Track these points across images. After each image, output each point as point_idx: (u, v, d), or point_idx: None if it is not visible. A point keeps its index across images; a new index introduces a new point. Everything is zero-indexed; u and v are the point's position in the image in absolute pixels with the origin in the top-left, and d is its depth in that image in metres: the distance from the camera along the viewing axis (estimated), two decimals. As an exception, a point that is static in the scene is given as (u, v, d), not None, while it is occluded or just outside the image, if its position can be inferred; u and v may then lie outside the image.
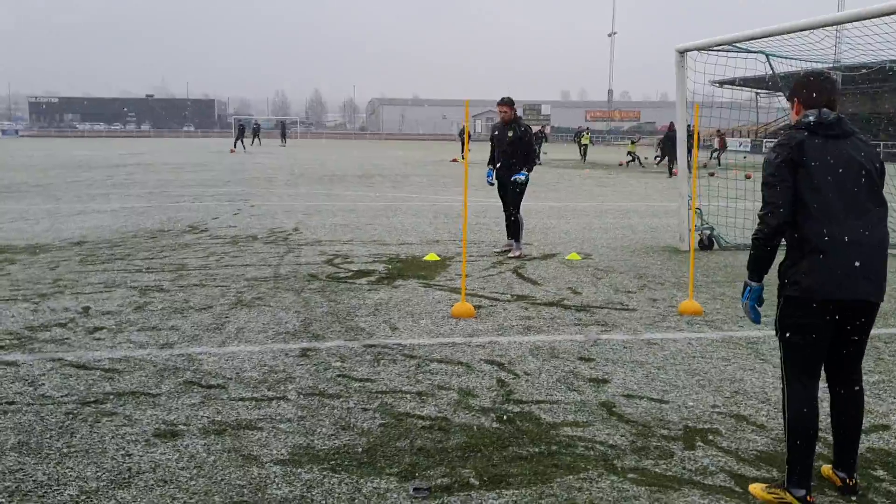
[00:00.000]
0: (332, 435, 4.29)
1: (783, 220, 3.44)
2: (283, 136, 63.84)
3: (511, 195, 10.27)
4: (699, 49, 10.61)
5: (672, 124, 28.96)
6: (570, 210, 16.41)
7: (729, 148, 39.81)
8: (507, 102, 10.30)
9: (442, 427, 4.41)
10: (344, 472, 3.84)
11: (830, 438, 3.82)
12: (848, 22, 9.22)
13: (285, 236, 11.73)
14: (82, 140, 78.07)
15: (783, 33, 9.67)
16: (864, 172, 3.46)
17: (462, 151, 40.90)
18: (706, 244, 11.15)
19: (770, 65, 11.15)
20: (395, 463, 3.94)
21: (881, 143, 54.13)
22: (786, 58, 11.19)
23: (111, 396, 4.83)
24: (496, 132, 10.41)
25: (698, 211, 11.29)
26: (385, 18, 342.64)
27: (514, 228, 10.36)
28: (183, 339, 6.09)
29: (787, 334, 3.54)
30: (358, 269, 9.15)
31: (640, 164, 35.92)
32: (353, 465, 3.93)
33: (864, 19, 8.71)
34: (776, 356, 5.79)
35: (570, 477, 3.81)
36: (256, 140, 56.87)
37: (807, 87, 3.62)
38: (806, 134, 3.50)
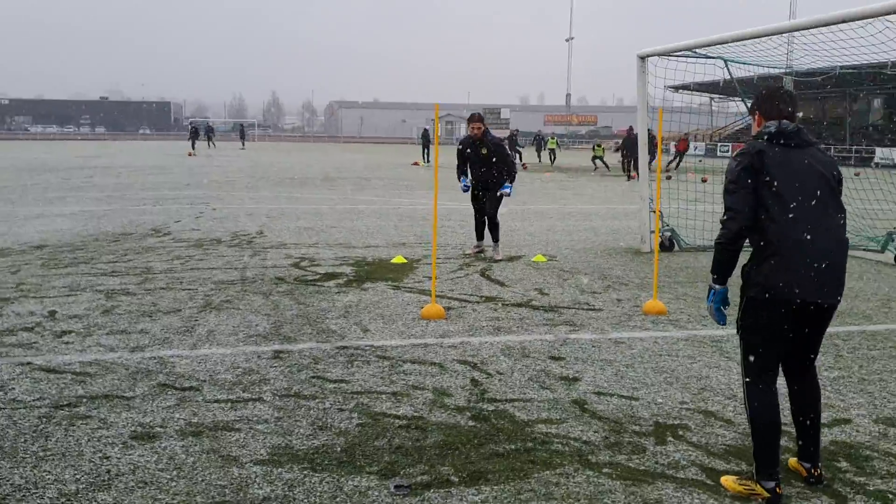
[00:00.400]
0: (311, 435, 4.33)
1: (744, 224, 3.58)
2: (243, 138, 63.18)
3: (492, 202, 10.35)
4: (660, 55, 10.83)
5: (631, 128, 29.39)
6: (533, 213, 16.58)
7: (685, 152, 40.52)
8: (480, 119, 10.28)
9: (419, 426, 4.47)
10: (324, 471, 3.88)
11: (793, 431, 3.96)
12: (798, 30, 9.48)
13: (249, 239, 11.69)
14: (34, 143, 76.46)
15: (740, 40, 9.91)
16: (823, 180, 3.61)
17: (425, 154, 41.19)
18: (667, 245, 11.36)
19: (728, 70, 11.42)
20: (375, 461, 3.99)
21: (831, 147, 55.48)
22: (743, 63, 11.47)
23: (84, 400, 4.80)
24: (468, 150, 10.39)
25: (659, 213, 11.51)
26: (343, 22, 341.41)
27: (494, 231, 10.40)
28: (153, 343, 6.06)
29: (748, 334, 3.68)
30: (325, 271, 9.16)
31: (607, 167, 36.23)
32: (333, 464, 3.97)
33: (814, 27, 8.97)
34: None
35: (547, 472, 3.89)
36: (211, 143, 56.35)
37: (767, 101, 3.79)
38: (766, 143, 3.65)
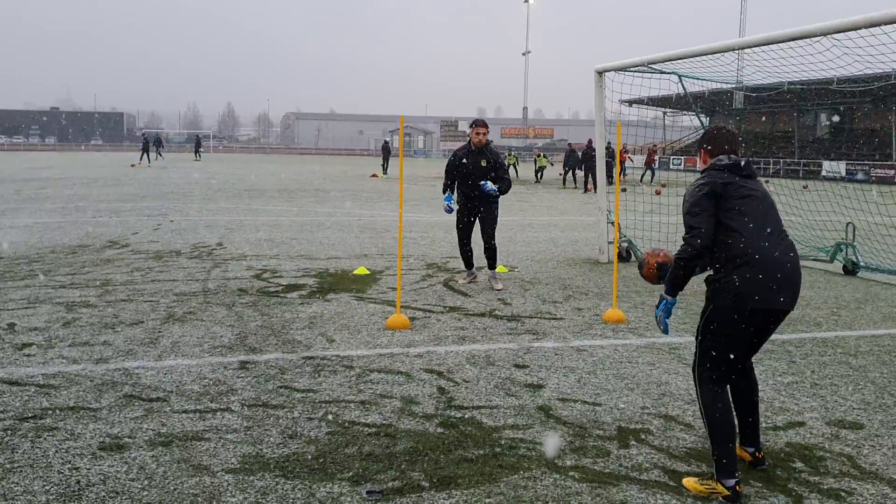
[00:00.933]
0: (281, 444, 4.36)
1: (706, 243, 3.85)
2: (198, 150, 61.40)
3: (490, 224, 9.14)
4: (617, 70, 11.07)
5: (590, 141, 29.81)
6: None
7: (636, 165, 41.30)
8: (485, 124, 9.12)
9: (388, 433, 4.53)
10: (296, 479, 3.92)
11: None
12: (748, 47, 9.77)
13: (209, 251, 11.63)
14: (-18, 153, 74.71)
15: (693, 56, 10.20)
16: (772, 204, 3.98)
17: (385, 166, 41.28)
18: (624, 256, 11.58)
19: (682, 84, 11.71)
20: (346, 468, 4.05)
21: (780, 161, 56.85)
22: (697, 78, 11.78)
23: (49, 412, 4.77)
24: (464, 160, 8.99)
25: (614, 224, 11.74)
26: (299, 33, 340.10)
27: (493, 257, 9.26)
28: (117, 354, 6.03)
29: (713, 341, 3.90)
30: (288, 283, 9.17)
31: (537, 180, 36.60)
32: (305, 471, 4.01)
33: (764, 44, 9.26)
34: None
35: (515, 476, 3.99)
36: (159, 155, 55.20)
37: (713, 139, 4.14)
38: (725, 173, 3.97)
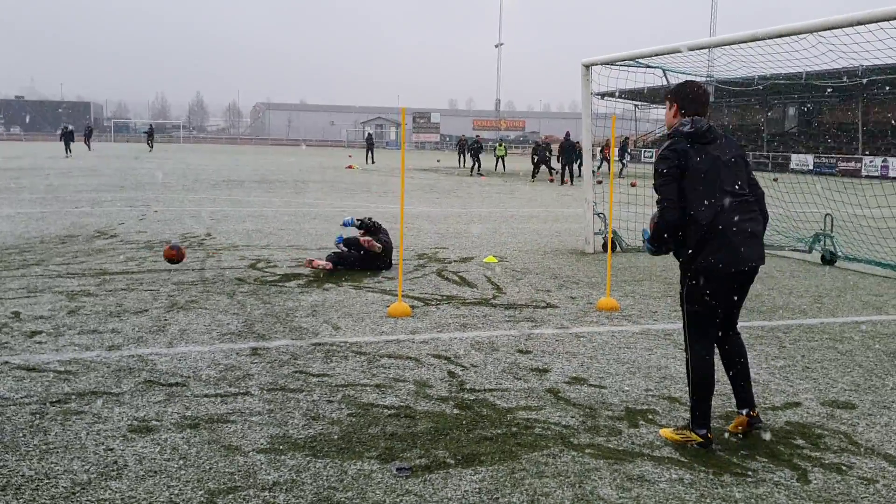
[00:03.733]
0: (305, 425, 4.51)
1: (678, 213, 4.16)
2: (150, 140, 58.07)
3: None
4: (603, 63, 11.29)
5: (568, 134, 30.11)
6: (475, 216, 16.92)
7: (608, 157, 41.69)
8: None
9: (407, 415, 4.70)
10: (326, 457, 4.08)
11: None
12: (735, 43, 10.04)
13: (199, 241, 11.68)
14: (-54, 142, 73.33)
15: (680, 51, 10.45)
16: (736, 167, 4.26)
17: (369, 157, 41.63)
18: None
19: (666, 78, 11.98)
20: (372, 447, 4.21)
21: (750, 153, 57.63)
22: (680, 73, 12.04)
23: (73, 396, 4.87)
24: None
25: (602, 215, 12.00)
26: (269, 22, 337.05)
27: None
28: (128, 342, 6.13)
29: (695, 305, 4.24)
30: (284, 272, 9.28)
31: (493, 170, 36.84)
32: (333, 450, 4.17)
33: (751, 41, 9.53)
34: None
35: (535, 454, 4.18)
36: (86, 145, 51.74)
37: (686, 94, 4.36)
38: (686, 142, 4.23)
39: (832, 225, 11.32)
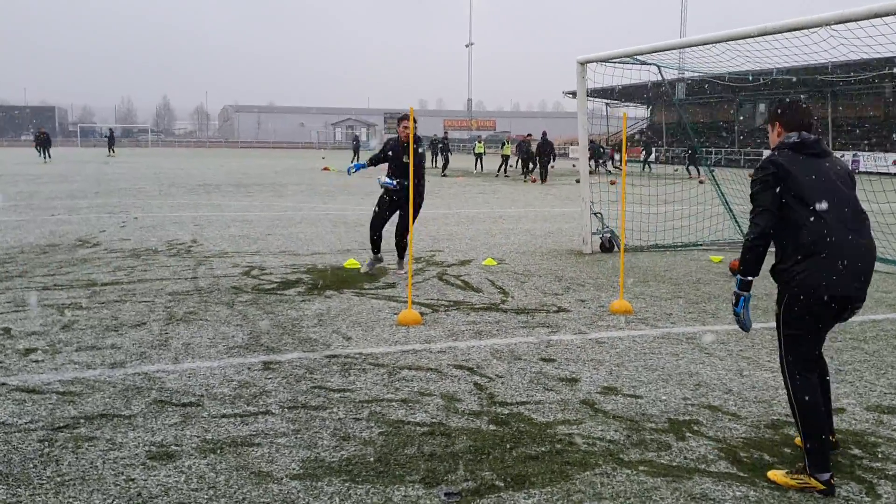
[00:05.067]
0: (336, 446, 4.23)
1: (771, 222, 3.80)
2: (111, 145, 56.39)
3: (404, 219, 9.07)
4: (599, 61, 11.10)
5: (545, 133, 29.97)
6: (464, 217, 16.67)
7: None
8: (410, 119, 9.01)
9: (442, 432, 4.44)
10: (366, 483, 3.81)
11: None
12: (733, 39, 9.91)
13: (187, 248, 11.31)
14: None
15: (678, 48, 10.31)
16: (845, 186, 3.87)
17: (355, 159, 41.63)
18: (608, 247, 11.65)
19: (661, 74, 11.84)
20: (413, 470, 3.95)
21: (722, 149, 58.16)
22: (675, 69, 11.92)
23: (81, 420, 4.55)
24: (390, 152, 9.29)
25: (599, 215, 11.82)
26: (236, 24, 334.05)
27: (404, 248, 9.41)
28: (130, 358, 5.79)
29: (794, 328, 3.83)
30: (281, 280, 8.97)
31: (506, 173, 36.59)
32: (372, 474, 3.90)
33: (745, 38, 9.39)
34: (718, 349, 6.23)
35: (587, 473, 3.94)
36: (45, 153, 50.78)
37: (788, 112, 4.02)
38: (790, 152, 3.88)
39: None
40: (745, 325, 4.07)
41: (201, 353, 5.95)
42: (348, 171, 9.57)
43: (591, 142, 40.60)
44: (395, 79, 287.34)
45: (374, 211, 9.50)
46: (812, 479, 3.74)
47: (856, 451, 4.27)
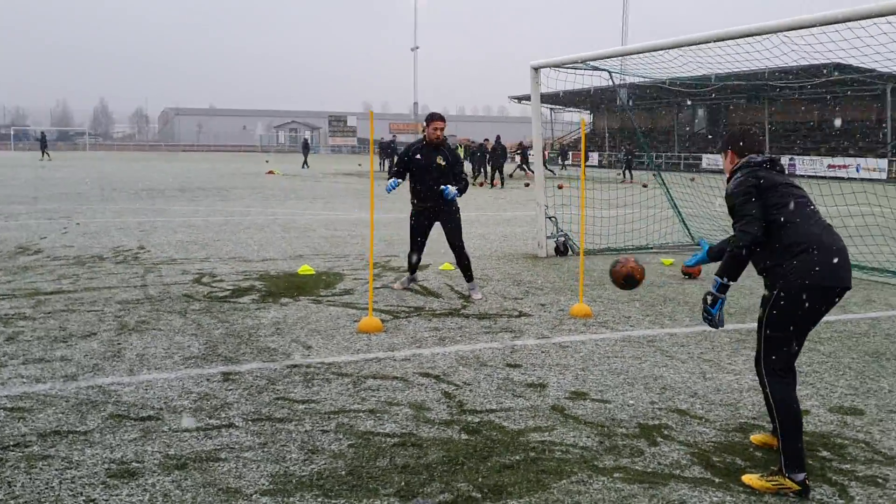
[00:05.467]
0: (306, 460, 4.11)
1: (760, 230, 3.86)
2: (44, 149, 54.41)
3: (455, 229, 8.51)
4: (553, 66, 11.14)
5: (498, 137, 30.06)
6: (415, 221, 16.54)
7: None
8: (443, 119, 8.42)
9: (414, 443, 4.35)
10: (339, 497, 3.70)
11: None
12: (687, 45, 10.04)
13: (134, 255, 10.99)
14: None
15: (630, 54, 10.42)
16: (807, 194, 4.04)
17: (305, 163, 41.40)
18: (562, 251, 11.69)
19: (612, 80, 11.95)
20: (387, 483, 3.85)
21: (663, 154, 59.17)
22: (625, 74, 12.04)
23: (33, 438, 4.33)
24: (417, 156, 8.34)
25: (553, 219, 11.86)
26: (174, 25, 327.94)
27: (468, 267, 8.56)
28: (82, 371, 5.56)
29: (779, 329, 3.85)
30: (233, 287, 8.76)
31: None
32: (345, 488, 3.79)
33: (702, 43, 9.54)
34: (679, 352, 6.27)
35: (564, 481, 3.89)
36: None
37: (741, 140, 4.21)
38: (764, 169, 4.03)
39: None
40: (718, 325, 4.13)
41: (157, 364, 5.75)
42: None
43: (523, 146, 40.80)
44: (340, 82, 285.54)
45: (411, 229, 8.76)
46: (787, 479, 3.76)
47: (825, 454, 4.31)
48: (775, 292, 3.85)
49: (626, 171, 37.74)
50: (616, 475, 3.97)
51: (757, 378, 4.05)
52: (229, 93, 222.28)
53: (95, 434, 4.41)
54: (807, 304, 3.80)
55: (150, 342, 6.35)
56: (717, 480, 3.94)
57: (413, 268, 8.84)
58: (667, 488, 3.84)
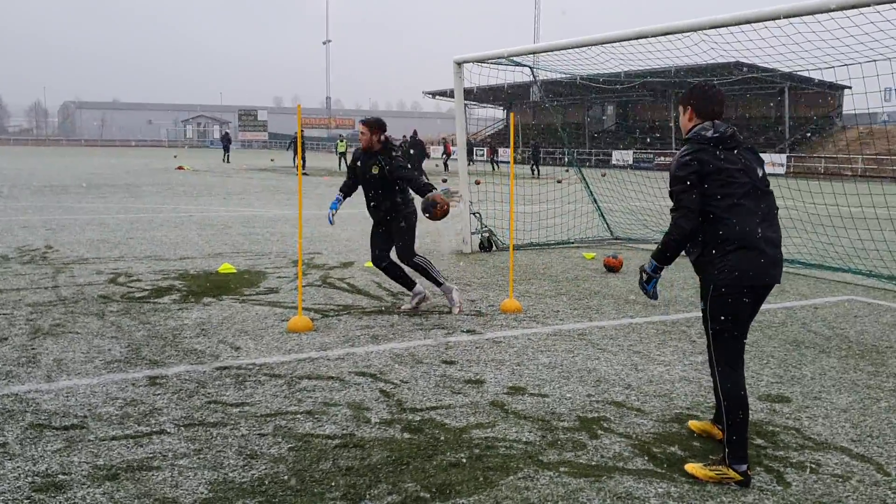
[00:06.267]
0: (245, 465, 3.97)
1: (695, 223, 3.84)
2: None
3: (399, 238, 7.46)
4: (475, 61, 11.15)
5: (415, 132, 29.97)
6: (338, 218, 16.26)
7: (453, 156, 42.23)
8: (368, 123, 7.38)
9: (356, 444, 4.26)
10: (284, 503, 3.58)
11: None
12: (610, 42, 10.22)
13: (41, 255, 10.47)
14: None
15: (552, 50, 10.50)
16: (758, 177, 3.94)
17: (226, 157, 40.22)
18: (486, 246, 11.73)
19: (534, 75, 12.04)
20: (332, 486, 3.75)
21: (574, 150, 60.26)
22: (547, 70, 12.15)
23: (-53, 452, 4.05)
24: (358, 161, 7.54)
25: (478, 215, 11.88)
26: (75, 17, 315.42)
27: (425, 274, 7.61)
28: (-5, 378, 5.25)
29: (723, 323, 3.88)
30: (152, 287, 8.44)
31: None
32: (289, 493, 3.67)
33: (635, 38, 9.70)
34: (610, 345, 6.36)
35: (511, 478, 3.87)
36: None
37: (703, 98, 4.04)
38: (709, 147, 3.90)
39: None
40: (654, 298, 4.23)
41: (77, 370, 5.47)
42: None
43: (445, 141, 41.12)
44: (248, 75, 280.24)
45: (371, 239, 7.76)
46: (730, 469, 3.82)
47: (759, 441, 4.42)
48: (710, 287, 3.88)
49: (535, 167, 38.32)
50: (562, 469, 3.98)
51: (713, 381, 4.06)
52: (134, 86, 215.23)
53: (15, 446, 4.15)
54: (739, 301, 3.83)
55: (67, 346, 6.05)
56: (660, 471, 3.99)
57: (405, 281, 7.70)
58: (612, 481, 3.86)
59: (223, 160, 46.62)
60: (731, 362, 3.94)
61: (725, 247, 3.80)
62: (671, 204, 3.95)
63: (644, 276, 4.14)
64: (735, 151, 3.92)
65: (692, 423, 4.56)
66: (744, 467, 3.81)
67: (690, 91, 4.10)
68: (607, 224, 13.68)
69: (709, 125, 3.96)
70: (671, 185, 3.91)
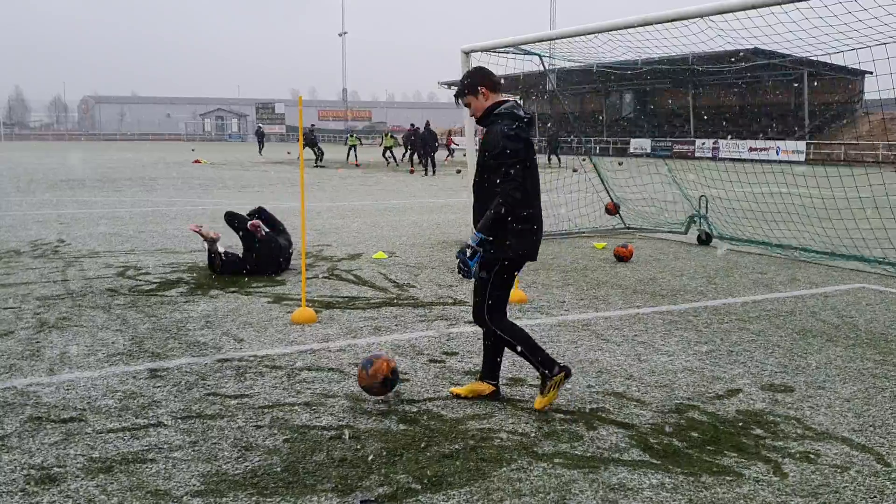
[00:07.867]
0: (239, 458, 3.98)
1: (522, 194, 4.28)
2: None
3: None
4: (483, 50, 11.08)
5: (428, 123, 29.92)
6: (349, 210, 16.37)
7: (460, 147, 42.15)
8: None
9: (351, 435, 4.25)
10: (275, 495, 3.58)
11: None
12: (615, 29, 10.11)
13: (53, 249, 10.56)
14: None
15: (560, 38, 10.43)
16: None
17: (261, 150, 41.10)
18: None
19: (543, 64, 11.96)
20: (324, 478, 3.75)
21: (592, 139, 59.88)
22: (556, 58, 12.07)
23: (-54, 445, 4.09)
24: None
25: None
26: (93, 10, 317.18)
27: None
28: (-1, 372, 5.29)
29: (497, 288, 4.52)
30: (160, 280, 8.48)
31: (396, 162, 36.63)
32: (280, 485, 3.67)
33: (640, 26, 9.60)
34: (614, 335, 6.32)
35: (504, 469, 3.86)
36: None
37: (491, 77, 4.54)
38: (524, 124, 4.38)
39: (707, 206, 11.66)
40: (472, 277, 4.44)
41: (79, 363, 5.51)
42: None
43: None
44: (266, 68, 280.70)
45: None
46: (553, 379, 4.45)
47: (758, 431, 4.37)
48: (501, 257, 4.37)
49: (552, 156, 38.13)
50: (556, 461, 3.95)
51: (488, 329, 4.59)
52: (152, 80, 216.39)
53: (13, 438, 4.18)
54: (511, 274, 4.58)
55: (71, 339, 6.09)
56: (655, 462, 3.96)
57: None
58: (607, 472, 3.83)
59: (259, 153, 49.03)
60: (504, 315, 4.61)
61: (521, 223, 4.37)
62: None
63: (469, 251, 4.33)
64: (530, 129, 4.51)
65: (455, 389, 4.83)
66: (557, 369, 4.46)
67: (476, 73, 4.57)
68: (620, 216, 13.58)
69: (513, 103, 4.42)
70: (499, 159, 4.23)
